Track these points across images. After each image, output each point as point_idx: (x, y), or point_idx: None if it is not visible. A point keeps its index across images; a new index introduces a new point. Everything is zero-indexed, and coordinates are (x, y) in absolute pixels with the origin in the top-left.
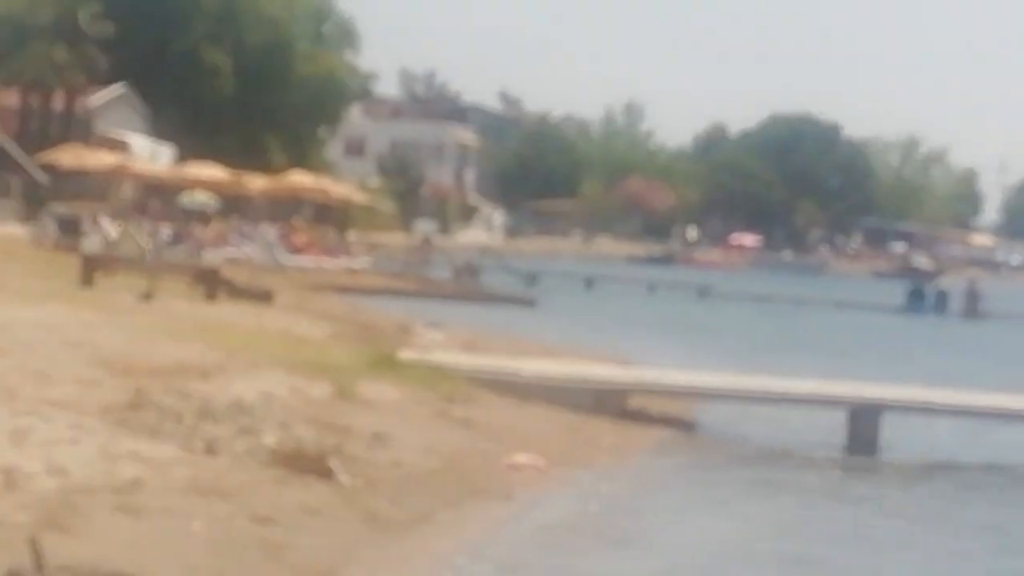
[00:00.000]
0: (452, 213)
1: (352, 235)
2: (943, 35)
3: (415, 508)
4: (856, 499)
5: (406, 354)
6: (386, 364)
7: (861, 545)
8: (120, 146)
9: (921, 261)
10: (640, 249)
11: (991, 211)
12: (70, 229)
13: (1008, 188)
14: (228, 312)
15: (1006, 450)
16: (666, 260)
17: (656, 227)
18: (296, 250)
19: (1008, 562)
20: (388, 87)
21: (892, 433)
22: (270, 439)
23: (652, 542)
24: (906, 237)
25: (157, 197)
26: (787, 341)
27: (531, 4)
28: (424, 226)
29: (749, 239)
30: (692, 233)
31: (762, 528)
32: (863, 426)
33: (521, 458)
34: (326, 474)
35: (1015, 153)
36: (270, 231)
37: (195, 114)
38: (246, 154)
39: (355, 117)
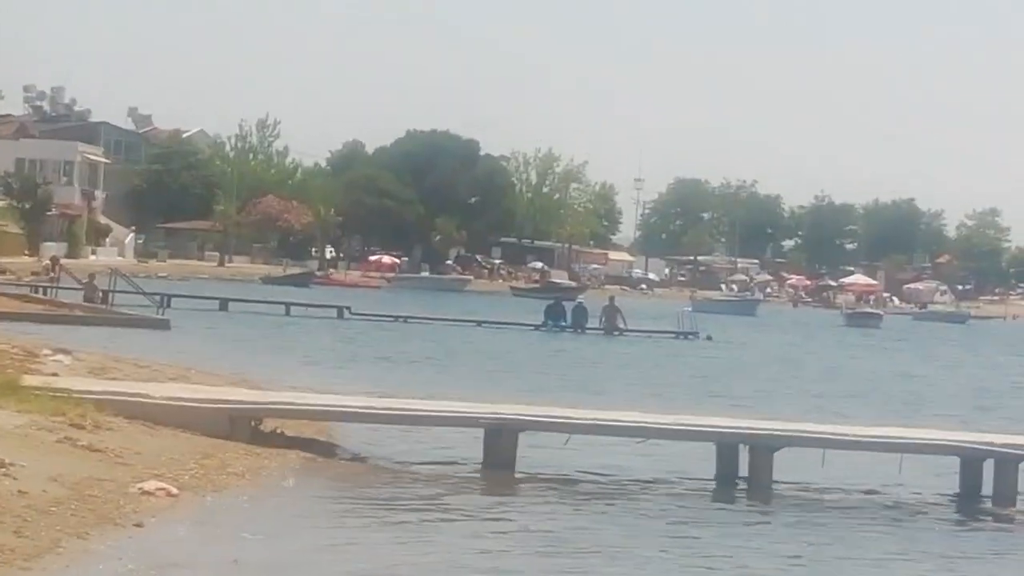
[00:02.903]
0: (82, 234)
1: None
2: (570, 53)
3: (41, 538)
4: (486, 514)
5: (32, 380)
6: (10, 390)
7: (489, 558)
8: None
9: (562, 278)
10: (277, 269)
11: (629, 227)
12: None
13: (643, 204)
14: None
15: (636, 464)
16: (304, 280)
17: (293, 247)
18: None
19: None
20: (13, 104)
21: (529, 450)
22: None
23: (283, 565)
24: (545, 254)
25: None
26: (426, 360)
27: (160, 19)
28: (53, 247)
29: (388, 258)
30: (329, 252)
31: (392, 547)
32: (499, 444)
33: (152, 484)
34: None
35: (650, 169)
36: None
37: None
38: None
39: None
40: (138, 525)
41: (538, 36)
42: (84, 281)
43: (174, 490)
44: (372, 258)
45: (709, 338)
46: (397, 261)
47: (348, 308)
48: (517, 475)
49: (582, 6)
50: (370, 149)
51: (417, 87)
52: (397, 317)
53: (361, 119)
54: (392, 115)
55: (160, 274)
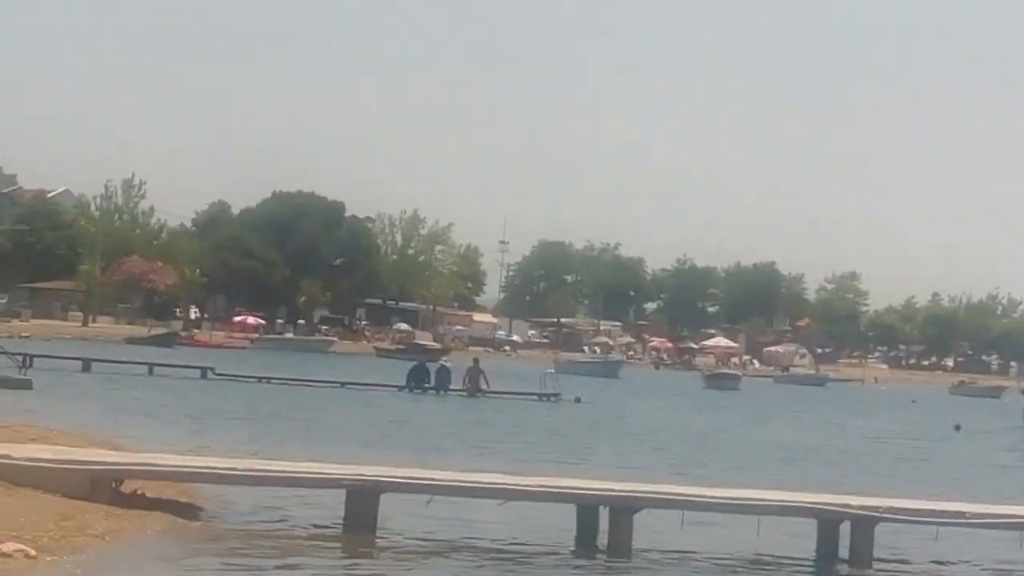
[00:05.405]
0: None
1: None
2: (436, 113)
3: None
4: None
5: None
6: None
7: None
8: None
9: (426, 339)
10: (141, 330)
11: (493, 289)
12: None
13: (508, 266)
14: None
15: (502, 528)
16: (167, 341)
17: (158, 307)
18: None
19: None
20: None
21: (391, 512)
22: None
23: None
24: (410, 315)
25: None
26: (289, 421)
27: (25, 77)
28: None
29: (252, 319)
30: (194, 313)
31: None
32: (361, 506)
33: (9, 545)
34: None
35: (514, 232)
36: None
37: None
38: None
39: None
40: None
41: (404, 99)
42: None
43: (32, 552)
44: (237, 319)
45: (578, 400)
46: (262, 322)
47: (212, 369)
48: (377, 538)
49: (448, 72)
50: (236, 210)
51: (282, 148)
52: (261, 378)
53: (226, 180)
54: (257, 176)
55: (23, 334)
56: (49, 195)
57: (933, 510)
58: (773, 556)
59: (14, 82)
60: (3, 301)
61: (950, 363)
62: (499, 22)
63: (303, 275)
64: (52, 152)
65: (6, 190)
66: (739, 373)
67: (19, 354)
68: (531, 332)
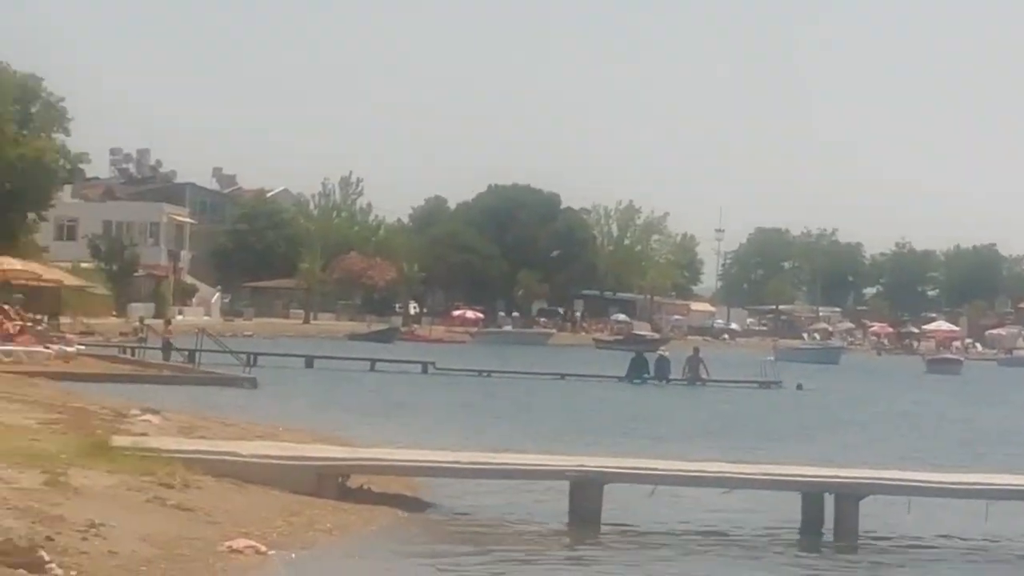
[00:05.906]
0: (169, 294)
1: (66, 320)
2: (652, 103)
3: None
4: (571, 571)
5: (121, 440)
6: (100, 451)
7: None
8: None
9: (644, 329)
10: (361, 326)
11: (710, 278)
12: None
13: (725, 254)
14: None
15: (726, 516)
16: (388, 336)
17: (377, 303)
18: (7, 337)
19: None
20: (100, 167)
21: (615, 503)
22: None
23: None
24: (627, 306)
25: None
26: (511, 414)
27: (243, 80)
28: (140, 309)
29: (471, 312)
30: (413, 308)
31: None
32: (585, 497)
33: (240, 542)
34: (38, 567)
35: (730, 219)
36: None
37: None
38: None
39: (66, 199)
40: None
41: (618, 91)
42: (171, 347)
43: (263, 548)
44: (455, 313)
45: (800, 387)
46: (480, 316)
47: (432, 363)
48: (603, 528)
49: (661, 62)
50: (452, 204)
51: (498, 140)
52: (481, 372)
53: (444, 173)
54: (474, 169)
55: (246, 333)
56: (268, 194)
57: None
58: (1003, 540)
59: (231, 84)
60: (226, 300)
61: None
62: (711, 13)
63: (520, 268)
64: (271, 151)
65: (227, 190)
66: (961, 357)
67: (243, 353)
68: (749, 320)
